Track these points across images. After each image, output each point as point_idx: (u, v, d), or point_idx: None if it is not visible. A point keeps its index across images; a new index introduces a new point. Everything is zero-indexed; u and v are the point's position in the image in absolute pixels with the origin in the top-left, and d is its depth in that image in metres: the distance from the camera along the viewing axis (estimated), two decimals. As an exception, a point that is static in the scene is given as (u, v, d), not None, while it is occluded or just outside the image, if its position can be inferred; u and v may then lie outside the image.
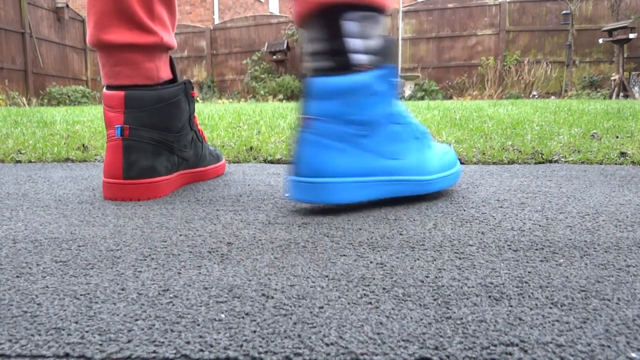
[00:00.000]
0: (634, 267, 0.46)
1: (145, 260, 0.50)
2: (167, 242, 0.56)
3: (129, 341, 0.34)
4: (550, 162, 1.18)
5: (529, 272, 0.45)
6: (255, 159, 1.27)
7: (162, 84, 0.86)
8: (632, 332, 0.34)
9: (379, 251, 0.52)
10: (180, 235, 0.59)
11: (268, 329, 0.35)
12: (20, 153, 1.39)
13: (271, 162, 1.25)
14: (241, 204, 0.76)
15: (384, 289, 0.42)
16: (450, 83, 7.65)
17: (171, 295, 0.41)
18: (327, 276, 0.45)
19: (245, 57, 8.36)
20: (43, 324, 0.36)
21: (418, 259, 0.49)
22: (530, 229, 0.60)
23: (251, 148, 1.38)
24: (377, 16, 0.68)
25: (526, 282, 0.43)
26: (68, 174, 1.09)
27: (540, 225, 0.61)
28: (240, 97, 8.12)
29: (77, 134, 1.82)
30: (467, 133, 1.69)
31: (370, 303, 0.39)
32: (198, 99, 7.87)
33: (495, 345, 0.32)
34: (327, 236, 0.58)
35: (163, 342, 0.33)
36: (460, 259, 0.49)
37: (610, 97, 5.97)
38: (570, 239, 0.55)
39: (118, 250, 0.53)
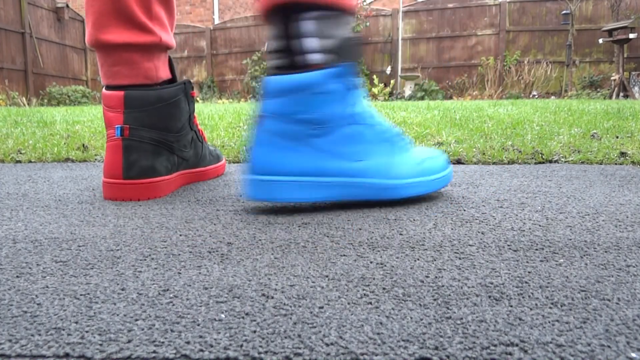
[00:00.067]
0: (634, 267, 0.46)
1: (145, 260, 0.50)
2: (167, 242, 0.56)
3: (129, 341, 0.34)
4: (550, 162, 1.18)
5: (529, 272, 0.45)
6: (255, 159, 1.27)
7: (161, 84, 0.86)
8: (632, 332, 0.34)
9: (379, 251, 0.52)
10: (180, 235, 0.59)
11: (268, 329, 0.35)
12: (20, 153, 1.39)
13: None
14: (241, 204, 0.76)
15: (384, 289, 0.42)
16: (450, 83, 7.65)
17: (171, 295, 0.41)
18: (327, 276, 0.45)
19: (245, 57, 8.36)
20: (43, 324, 0.36)
21: (418, 259, 0.49)
22: (530, 229, 0.60)
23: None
24: (338, 15, 0.67)
25: (526, 282, 0.43)
26: (68, 174, 1.09)
27: (540, 225, 0.61)
28: (240, 97, 8.12)
29: (77, 134, 1.82)
30: (467, 133, 1.69)
31: (370, 303, 0.39)
32: (198, 99, 7.87)
33: (495, 345, 0.32)
34: (327, 236, 0.58)
35: (163, 342, 0.33)
36: (460, 259, 0.49)
37: (610, 97, 5.97)
38: (570, 239, 0.55)
39: (118, 250, 0.53)
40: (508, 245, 0.53)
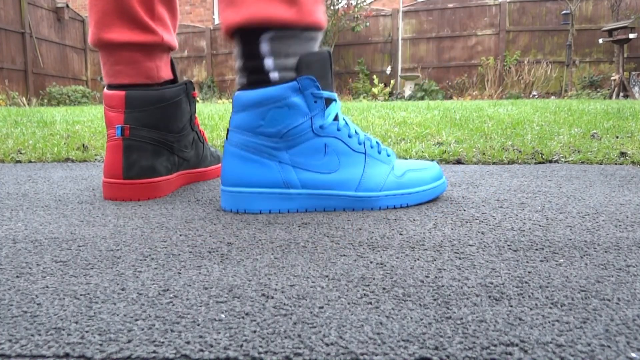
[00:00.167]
0: (634, 267, 0.46)
1: (145, 260, 0.50)
2: (167, 242, 0.56)
3: (129, 341, 0.34)
4: (550, 162, 1.18)
5: (529, 272, 0.45)
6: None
7: (162, 84, 0.86)
8: (632, 332, 0.34)
9: (379, 251, 0.52)
10: (180, 235, 0.59)
11: (268, 329, 0.35)
12: (20, 153, 1.39)
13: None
14: (241, 204, 0.76)
15: (384, 289, 0.42)
16: (450, 83, 7.65)
17: (171, 295, 0.41)
18: (327, 276, 0.45)
19: (245, 57, 8.35)
20: (43, 324, 0.36)
21: (418, 259, 0.49)
22: (530, 229, 0.60)
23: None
24: (295, 34, 0.67)
25: (526, 282, 0.43)
26: (68, 174, 1.09)
27: (540, 225, 0.61)
28: (240, 97, 8.10)
29: (77, 134, 1.82)
30: (467, 133, 1.69)
31: (370, 303, 0.39)
32: (198, 99, 7.87)
33: (495, 345, 0.32)
34: (327, 236, 0.58)
35: (163, 342, 0.33)
36: (460, 259, 0.49)
37: (610, 97, 5.97)
38: (570, 239, 0.55)
39: (118, 250, 0.53)
40: (508, 245, 0.53)
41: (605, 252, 0.51)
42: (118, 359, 0.32)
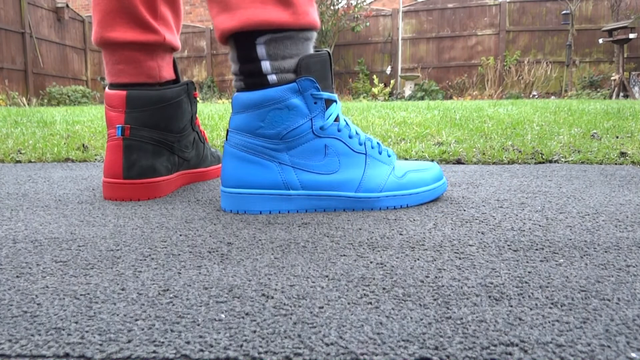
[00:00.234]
0: (634, 267, 0.46)
1: (145, 260, 0.50)
2: (167, 242, 0.56)
3: (129, 341, 0.34)
4: (550, 162, 1.18)
5: (529, 272, 0.45)
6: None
7: (164, 84, 0.86)
8: (632, 332, 0.34)
9: (379, 251, 0.52)
10: (180, 235, 0.59)
11: (268, 329, 0.35)
12: (20, 153, 1.39)
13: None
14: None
15: (384, 289, 0.42)
16: (450, 83, 7.65)
17: (171, 295, 0.41)
18: (327, 276, 0.45)
19: (245, 57, 8.35)
20: (43, 324, 0.36)
21: (418, 259, 0.49)
22: (530, 229, 0.60)
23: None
24: (291, 35, 0.67)
25: (526, 282, 0.43)
26: (68, 174, 1.09)
27: (540, 225, 0.61)
28: (240, 97, 8.11)
29: (77, 134, 1.82)
30: (467, 133, 1.69)
31: (370, 303, 0.39)
32: (198, 99, 7.86)
33: (495, 345, 0.32)
34: (327, 236, 0.58)
35: (163, 342, 0.33)
36: (460, 259, 0.49)
37: (610, 97, 5.97)
38: (570, 239, 0.55)
39: (118, 250, 0.53)
40: (508, 245, 0.53)
41: (605, 252, 0.51)
42: (118, 359, 0.32)
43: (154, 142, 0.82)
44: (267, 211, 0.70)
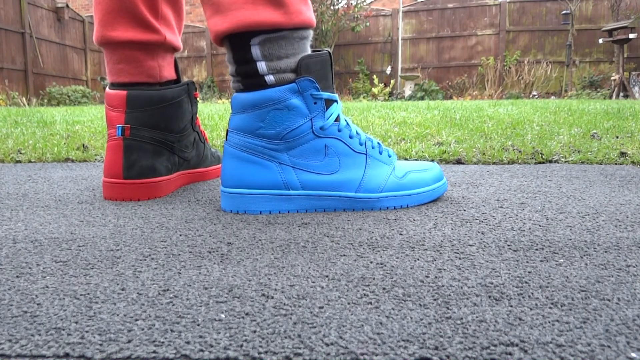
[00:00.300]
0: (634, 267, 0.46)
1: (145, 260, 0.50)
2: (167, 242, 0.56)
3: (129, 341, 0.34)
4: (550, 162, 1.18)
5: (529, 272, 0.45)
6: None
7: (164, 84, 0.86)
8: (632, 332, 0.34)
9: (379, 251, 0.52)
10: (180, 235, 0.59)
11: (268, 329, 0.35)
12: (20, 153, 1.39)
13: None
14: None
15: (384, 289, 0.42)
16: (450, 83, 7.66)
17: (171, 295, 0.41)
18: (327, 276, 0.45)
19: (245, 57, 8.35)
20: (43, 324, 0.36)
21: (418, 259, 0.49)
22: (530, 229, 0.60)
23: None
24: (285, 35, 0.67)
25: (526, 282, 0.43)
26: (68, 174, 1.09)
27: (540, 225, 0.61)
28: (240, 97, 8.10)
29: (77, 134, 1.82)
30: (467, 133, 1.69)
31: (370, 303, 0.39)
32: (198, 99, 7.86)
33: (495, 345, 0.32)
34: (327, 236, 0.58)
35: (163, 342, 0.33)
36: (460, 259, 0.49)
37: (610, 97, 5.97)
38: (570, 239, 0.55)
39: (118, 250, 0.53)
40: (508, 245, 0.53)
41: (605, 252, 0.51)
42: (118, 359, 0.32)
43: (154, 142, 0.82)
44: (267, 211, 0.70)
